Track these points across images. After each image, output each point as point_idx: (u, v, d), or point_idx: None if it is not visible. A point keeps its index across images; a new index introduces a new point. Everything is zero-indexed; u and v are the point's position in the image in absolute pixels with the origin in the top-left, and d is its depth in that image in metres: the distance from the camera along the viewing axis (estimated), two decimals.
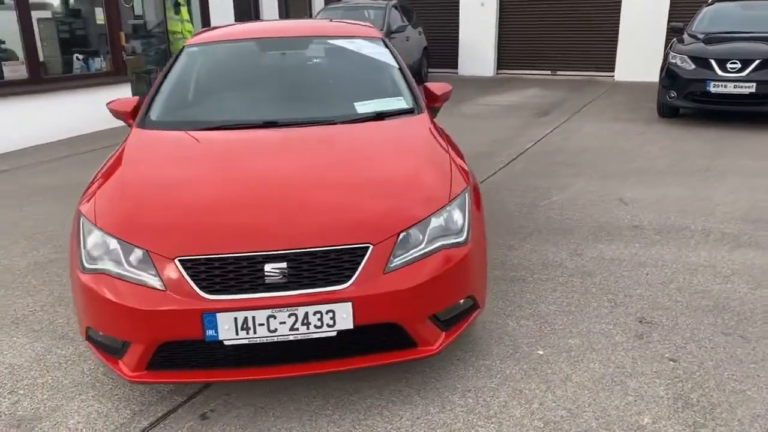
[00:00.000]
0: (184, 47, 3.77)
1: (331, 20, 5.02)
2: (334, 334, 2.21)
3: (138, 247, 2.25)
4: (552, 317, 3.13)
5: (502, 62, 14.41)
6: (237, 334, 2.17)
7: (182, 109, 3.45)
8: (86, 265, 2.34)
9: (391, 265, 2.25)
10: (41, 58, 8.12)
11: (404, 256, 2.29)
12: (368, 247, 2.24)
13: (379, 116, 3.19)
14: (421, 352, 2.36)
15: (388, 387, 2.58)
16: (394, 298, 2.23)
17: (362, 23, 4.24)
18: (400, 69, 3.64)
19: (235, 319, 2.15)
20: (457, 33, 14.41)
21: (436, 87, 3.67)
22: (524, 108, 9.70)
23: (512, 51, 14.22)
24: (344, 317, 2.18)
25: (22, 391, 2.66)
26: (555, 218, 4.61)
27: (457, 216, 2.49)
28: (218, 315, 2.14)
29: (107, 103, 3.46)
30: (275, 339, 2.19)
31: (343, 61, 3.84)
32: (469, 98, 10.82)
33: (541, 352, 2.81)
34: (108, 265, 2.28)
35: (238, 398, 2.53)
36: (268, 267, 2.18)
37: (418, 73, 12.46)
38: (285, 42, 3.83)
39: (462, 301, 2.48)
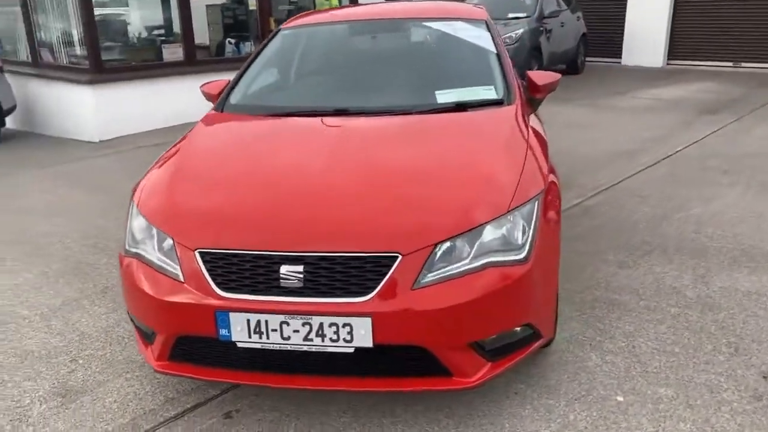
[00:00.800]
0: (279, 29, 3.69)
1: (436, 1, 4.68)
2: (351, 350, 1.97)
3: (167, 235, 2.18)
4: (647, 357, 2.60)
5: (674, 51, 12.89)
6: (250, 336, 2.02)
7: (260, 93, 3.36)
8: (128, 248, 2.33)
9: (424, 280, 1.96)
10: (206, 42, 8.79)
11: (442, 270, 1.99)
12: (396, 257, 1.96)
13: (461, 107, 2.84)
14: (456, 384, 2.04)
15: (426, 414, 2.29)
16: (422, 318, 1.94)
17: (469, 4, 3.87)
18: (498, 55, 3.21)
19: (248, 320, 2.00)
20: (623, 18, 13.14)
21: (540, 76, 3.20)
22: (689, 104, 8.55)
23: (687, 38, 12.65)
24: (363, 333, 1.94)
25: (81, 361, 2.77)
26: (688, 235, 3.91)
27: (519, 228, 2.12)
28: (231, 314, 2.01)
29: (201, 86, 3.49)
30: (288, 347, 2.01)
31: (436, 45, 3.52)
32: (628, 91, 9.80)
33: (620, 399, 2.34)
34: (144, 250, 2.25)
35: (266, 401, 2.40)
36: (284, 269, 2.00)
37: (573, 62, 11.58)
38: (378, 25, 3.60)
39: (518, 329, 2.12)
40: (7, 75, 7.79)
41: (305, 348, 2.00)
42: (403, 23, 3.61)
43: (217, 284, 2.04)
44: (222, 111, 3.16)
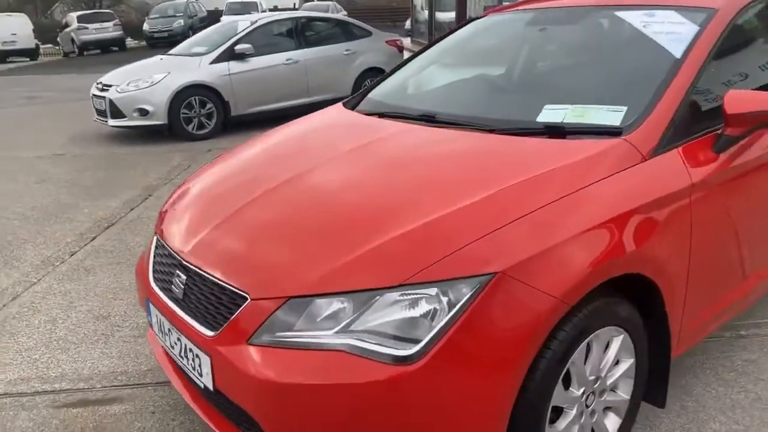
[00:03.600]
0: (470, 19, 3.38)
1: None
2: (201, 386, 1.83)
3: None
4: None
5: None
6: (158, 331, 2.07)
7: (394, 88, 3.05)
8: None
9: (262, 337, 1.61)
10: None
11: (289, 334, 1.60)
12: (246, 298, 1.67)
13: (558, 130, 2.11)
14: None
15: None
16: (249, 381, 1.60)
17: None
18: (678, 62, 2.16)
19: (157, 316, 2.04)
20: None
21: (743, 99, 2.04)
22: None
23: None
24: (206, 372, 1.77)
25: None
26: None
27: (424, 311, 1.55)
28: (150, 305, 2.08)
29: None
30: (174, 356, 1.99)
31: (606, 42, 2.69)
32: None
33: None
34: None
35: None
36: (176, 273, 1.95)
37: None
38: (561, 14, 2.94)
39: None
40: None
41: (182, 363, 1.93)
42: (591, 11, 2.79)
43: (152, 272, 2.13)
44: (345, 105, 2.97)
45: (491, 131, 2.23)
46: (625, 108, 2.11)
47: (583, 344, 1.77)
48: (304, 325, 1.60)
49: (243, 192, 2.14)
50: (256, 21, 8.51)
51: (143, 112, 7.53)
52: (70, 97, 11.97)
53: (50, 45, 28.89)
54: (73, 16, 25.78)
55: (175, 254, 1.98)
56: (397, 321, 1.56)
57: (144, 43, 25.98)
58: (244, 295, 1.68)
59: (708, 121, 2.15)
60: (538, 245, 1.64)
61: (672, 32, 2.35)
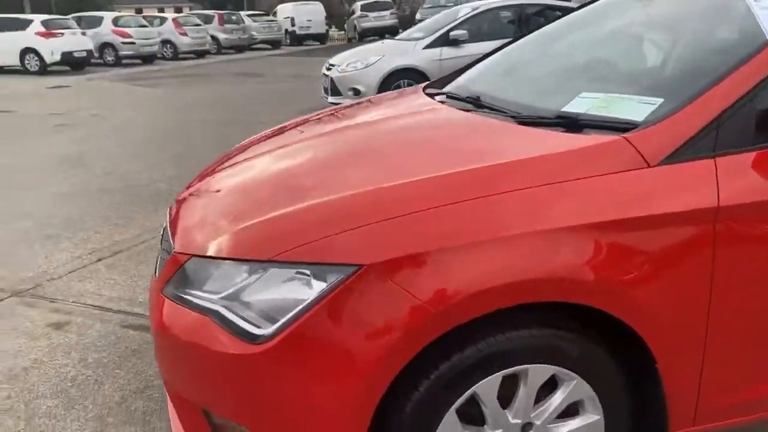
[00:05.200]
0: None
1: None
2: None
3: None
4: None
5: None
6: None
7: (478, 70, 2.75)
8: None
9: (167, 289, 1.66)
10: None
11: (180, 292, 1.62)
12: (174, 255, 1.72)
13: (572, 122, 1.72)
14: None
15: None
16: (158, 333, 1.69)
17: None
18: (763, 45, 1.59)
19: None
20: None
21: None
22: None
23: None
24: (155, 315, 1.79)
25: None
26: None
27: (293, 292, 1.43)
28: None
29: None
30: None
31: (696, 17, 2.15)
32: None
33: None
34: None
35: None
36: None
37: None
38: None
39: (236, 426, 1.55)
40: None
41: None
42: None
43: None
44: (425, 88, 2.67)
45: (512, 117, 1.91)
46: (660, 101, 1.65)
47: (497, 377, 1.46)
48: (197, 285, 1.61)
49: (224, 160, 2.22)
50: (477, 7, 8.45)
51: (356, 92, 8.07)
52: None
53: (343, 31, 32.43)
54: (358, 4, 28.49)
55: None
56: (268, 298, 1.47)
57: None
58: (172, 248, 1.76)
59: None
60: (430, 243, 1.39)
61: None
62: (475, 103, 2.19)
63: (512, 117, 1.91)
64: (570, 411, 1.60)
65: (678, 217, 1.47)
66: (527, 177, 1.49)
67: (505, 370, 1.46)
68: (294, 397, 1.43)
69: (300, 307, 1.41)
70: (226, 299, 1.51)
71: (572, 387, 1.53)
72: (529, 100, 2.06)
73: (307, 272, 1.44)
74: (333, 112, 2.75)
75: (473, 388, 1.45)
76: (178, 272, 1.66)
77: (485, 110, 2.07)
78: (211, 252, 1.59)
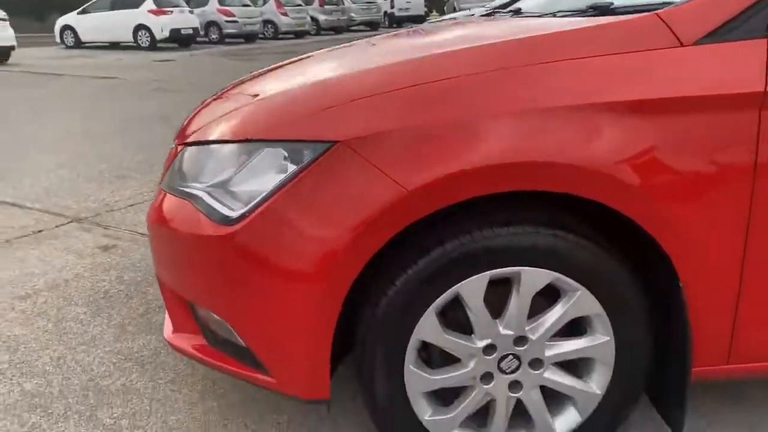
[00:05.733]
0: None
1: None
2: None
3: None
4: None
5: None
6: None
7: None
8: None
9: (164, 183, 1.64)
10: None
11: (169, 181, 1.60)
12: None
13: (605, 9, 1.56)
14: (168, 335, 1.72)
15: None
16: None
17: None
18: None
19: None
20: None
21: None
22: None
23: None
24: None
25: None
26: None
27: (261, 173, 1.35)
28: None
29: None
30: None
31: None
32: None
33: None
34: None
35: None
36: None
37: None
38: None
39: (218, 319, 1.49)
40: None
41: None
42: None
43: None
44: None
45: (551, 15, 1.76)
46: None
47: (483, 277, 1.30)
48: (190, 177, 1.53)
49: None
50: None
51: None
52: None
53: (442, 13, 32.12)
54: None
55: None
56: (248, 181, 1.38)
57: None
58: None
59: None
60: (411, 119, 1.26)
61: None
62: (517, 12, 2.07)
63: (551, 15, 1.75)
64: (577, 333, 1.41)
65: (715, 101, 1.24)
66: (532, 53, 1.31)
67: (493, 271, 1.29)
68: (262, 284, 1.34)
69: (272, 186, 1.32)
70: (212, 187, 1.45)
71: (575, 299, 1.33)
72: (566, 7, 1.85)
73: (284, 152, 1.35)
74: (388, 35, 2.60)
75: (456, 287, 1.30)
76: (174, 163, 1.62)
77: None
78: (197, 138, 1.54)
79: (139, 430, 1.70)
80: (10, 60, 13.66)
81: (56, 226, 3.27)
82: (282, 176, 1.32)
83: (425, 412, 1.41)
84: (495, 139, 1.23)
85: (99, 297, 2.48)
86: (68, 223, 3.33)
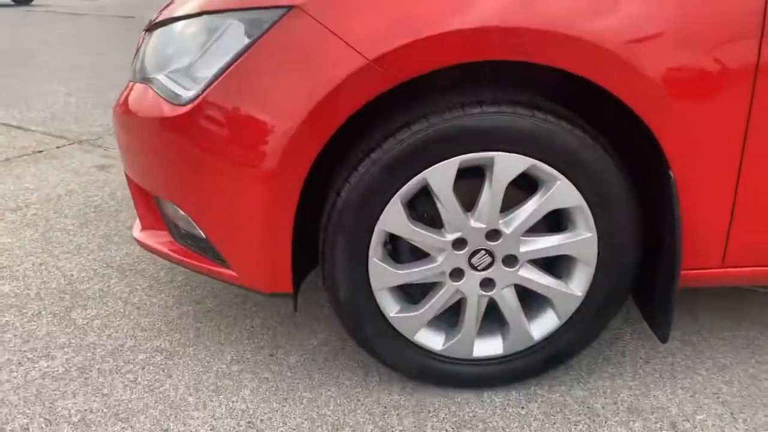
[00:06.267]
0: None
1: None
2: None
3: None
4: None
5: None
6: None
7: None
8: None
9: (134, 76, 1.52)
10: None
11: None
12: None
13: None
14: (136, 233, 1.68)
15: None
16: None
17: None
18: None
19: None
20: None
21: None
22: None
23: None
24: None
25: None
26: None
27: (219, 48, 1.24)
28: None
29: None
30: None
31: None
32: None
33: None
34: None
35: None
36: None
37: None
38: None
39: (178, 211, 1.43)
40: None
41: None
42: None
43: None
44: None
45: None
46: None
47: (453, 162, 1.19)
48: (159, 67, 1.41)
49: None
50: None
51: None
52: None
53: None
54: None
55: None
56: (203, 60, 1.28)
57: None
58: None
59: None
60: None
61: None
62: None
63: None
64: (557, 228, 1.31)
65: None
66: None
67: (464, 156, 1.19)
68: (215, 170, 1.26)
69: (226, 60, 1.22)
70: (173, 72, 1.36)
71: (553, 189, 1.22)
72: None
73: (244, 27, 1.24)
74: None
75: (423, 174, 1.20)
76: (139, 52, 1.53)
77: None
78: (163, 18, 1.44)
79: (110, 329, 1.67)
80: (35, 1, 13.64)
81: (57, 147, 3.24)
82: (237, 48, 1.22)
83: (392, 309, 1.33)
84: (466, 2, 1.10)
85: (89, 211, 2.44)
86: (69, 144, 3.30)
